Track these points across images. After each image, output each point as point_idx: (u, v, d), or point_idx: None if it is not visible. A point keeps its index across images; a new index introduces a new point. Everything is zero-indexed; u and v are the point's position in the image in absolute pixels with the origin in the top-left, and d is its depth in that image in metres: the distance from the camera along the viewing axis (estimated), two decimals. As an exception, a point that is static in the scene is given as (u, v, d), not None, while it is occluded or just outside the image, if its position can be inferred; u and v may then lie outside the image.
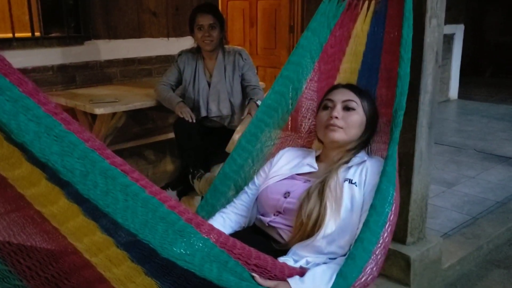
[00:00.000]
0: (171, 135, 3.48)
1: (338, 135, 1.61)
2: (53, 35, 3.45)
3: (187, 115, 2.98)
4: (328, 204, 1.46)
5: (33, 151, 0.86)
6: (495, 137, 4.96)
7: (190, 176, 3.05)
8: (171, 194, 3.30)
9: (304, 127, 1.94)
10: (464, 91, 7.04)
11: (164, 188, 3.43)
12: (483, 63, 8.56)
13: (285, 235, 1.55)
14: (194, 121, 2.98)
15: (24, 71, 3.20)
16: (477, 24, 8.22)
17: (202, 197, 1.90)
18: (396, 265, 2.22)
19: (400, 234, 2.24)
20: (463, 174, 3.87)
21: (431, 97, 2.12)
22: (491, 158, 4.27)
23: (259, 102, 2.95)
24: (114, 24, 3.69)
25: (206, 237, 1.08)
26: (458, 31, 6.67)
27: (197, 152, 3.06)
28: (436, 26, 2.06)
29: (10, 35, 3.21)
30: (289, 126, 1.96)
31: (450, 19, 5.99)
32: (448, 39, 6.47)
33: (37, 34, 3.34)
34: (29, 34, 3.32)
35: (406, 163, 2.15)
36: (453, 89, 6.91)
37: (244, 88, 3.18)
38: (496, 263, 2.65)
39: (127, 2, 3.74)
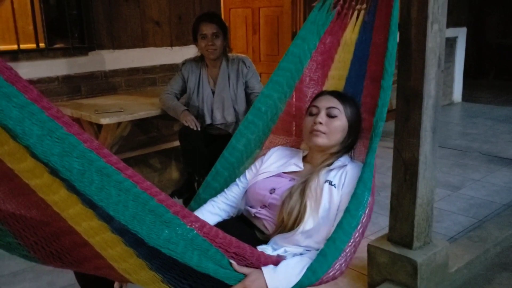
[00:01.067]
0: (176, 143, 3.50)
1: (321, 140, 1.72)
2: (57, 46, 3.48)
3: (192, 123, 2.99)
4: (308, 203, 1.59)
5: (35, 153, 0.94)
6: (500, 140, 4.96)
7: (195, 184, 3.06)
8: (178, 202, 3.32)
9: (293, 129, 2.05)
10: (468, 94, 7.04)
11: (171, 196, 3.44)
12: (486, 65, 8.56)
13: (269, 226, 1.69)
14: (199, 129, 3.00)
15: (30, 82, 3.21)
16: (480, 26, 8.23)
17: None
18: (402, 270, 2.22)
19: (406, 239, 2.24)
20: (468, 177, 3.87)
21: (434, 102, 2.13)
22: (496, 161, 4.27)
23: None
24: (117, 34, 3.72)
25: (190, 227, 1.18)
26: (460, 34, 6.67)
27: (202, 159, 3.07)
28: (437, 31, 2.07)
29: (15, 47, 3.25)
30: (281, 128, 2.05)
31: (452, 23, 6.01)
32: (450, 42, 6.48)
33: (41, 45, 3.38)
34: (34, 46, 3.35)
35: (411, 168, 2.16)
36: (456, 92, 6.91)
37: (248, 95, 3.20)
38: (503, 266, 2.64)
39: (130, 12, 3.77)
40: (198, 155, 3.06)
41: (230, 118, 3.19)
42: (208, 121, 3.19)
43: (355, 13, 1.96)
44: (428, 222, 2.28)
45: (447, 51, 2.02)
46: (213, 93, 3.19)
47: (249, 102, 3.20)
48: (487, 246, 2.69)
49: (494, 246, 2.72)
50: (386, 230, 2.38)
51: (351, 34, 1.97)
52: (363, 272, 2.45)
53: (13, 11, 3.21)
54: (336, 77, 2.00)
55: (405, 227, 2.24)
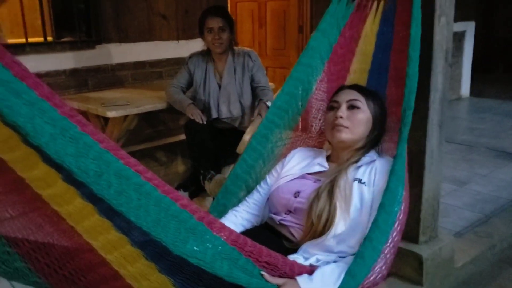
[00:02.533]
0: (183, 136, 3.51)
1: (345, 135, 1.62)
2: (65, 39, 3.49)
3: (198, 116, 3.00)
4: (338, 204, 1.47)
5: (48, 153, 0.88)
6: (508, 135, 4.92)
7: (201, 178, 3.07)
8: (183, 195, 3.33)
9: (314, 128, 1.95)
10: (476, 89, 6.99)
11: (176, 189, 3.45)
12: (495, 60, 8.49)
13: (296, 233, 1.57)
14: (205, 122, 3.00)
15: (37, 75, 3.22)
16: (488, 20, 8.16)
17: (213, 198, 1.92)
18: (408, 264, 2.22)
19: (412, 233, 2.24)
20: (475, 172, 3.85)
21: (441, 96, 2.12)
22: (504, 156, 4.24)
23: (269, 103, 2.96)
24: (124, 27, 3.72)
25: (217, 235, 1.11)
26: (469, 28, 6.62)
27: (207, 153, 3.07)
28: (445, 24, 2.05)
29: (23, 40, 3.26)
30: (300, 127, 1.97)
31: (460, 17, 5.96)
32: (459, 37, 6.43)
33: (49, 39, 3.39)
34: (41, 39, 3.37)
35: (417, 162, 2.15)
36: (464, 87, 6.86)
37: (253, 89, 3.20)
38: (509, 261, 2.63)
39: (137, 6, 3.77)
40: (204, 148, 3.07)
41: (236, 112, 3.19)
42: (214, 115, 3.19)
43: (375, 3, 1.90)
44: (434, 216, 2.27)
45: (455, 46, 2.01)
46: (219, 87, 3.19)
47: (255, 96, 3.20)
48: (493, 241, 2.68)
49: (500, 241, 2.71)
50: (391, 225, 2.37)
51: (371, 26, 1.90)
52: (368, 266, 2.45)
53: (22, 5, 3.23)
54: (358, 70, 1.92)
55: (410, 221, 2.23)
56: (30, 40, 3.30)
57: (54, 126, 0.89)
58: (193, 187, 3.32)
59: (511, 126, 5.26)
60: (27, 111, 0.86)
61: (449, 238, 2.35)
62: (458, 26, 6.11)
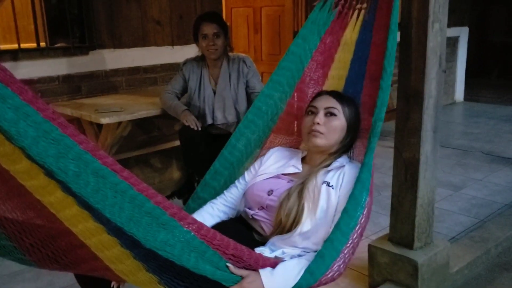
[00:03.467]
0: (177, 142, 3.49)
1: (320, 141, 1.72)
2: (58, 45, 3.48)
3: (192, 123, 2.99)
4: (305, 205, 1.58)
5: (31, 155, 0.94)
6: (503, 139, 4.94)
7: (195, 184, 3.06)
8: (177, 202, 3.31)
9: (293, 128, 2.04)
10: (470, 93, 7.02)
11: (170, 196, 3.43)
12: (489, 64, 8.53)
13: (266, 227, 1.69)
14: (199, 128, 2.99)
15: (30, 81, 3.23)
16: (482, 25, 8.20)
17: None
18: (403, 270, 2.21)
19: (407, 239, 2.23)
20: (470, 177, 3.85)
21: (435, 102, 2.12)
22: (498, 160, 4.26)
23: None
24: (118, 33, 3.71)
25: (187, 229, 1.17)
26: (462, 33, 6.65)
27: (202, 159, 3.06)
28: (438, 30, 2.06)
29: (16, 46, 3.24)
30: (279, 128, 2.03)
31: (454, 22, 5.99)
32: (452, 42, 6.46)
33: (42, 44, 3.37)
34: (34, 45, 3.35)
35: (412, 168, 2.15)
36: (458, 92, 6.90)
37: (249, 95, 3.19)
38: (505, 266, 2.63)
39: (131, 11, 3.76)
40: (198, 155, 3.05)
41: (231, 118, 3.18)
42: (209, 121, 3.18)
43: (356, 12, 1.95)
44: (429, 222, 2.27)
45: (449, 51, 2.01)
46: (214, 93, 3.18)
47: (250, 101, 3.20)
48: (489, 246, 2.68)
49: (495, 246, 2.71)
50: (387, 230, 2.37)
51: (351, 34, 1.96)
52: (363, 273, 2.44)
53: (14, 10, 3.21)
54: (336, 77, 1.99)
55: (405, 227, 2.23)
56: (23, 46, 3.28)
57: (37, 129, 0.94)
58: (187, 194, 3.30)
59: (505, 130, 5.29)
60: (12, 116, 0.91)
61: (444, 244, 2.35)
62: (452, 32, 6.14)
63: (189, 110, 3.11)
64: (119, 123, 3.09)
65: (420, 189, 2.17)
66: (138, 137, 3.78)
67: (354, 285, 2.42)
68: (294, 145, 2.03)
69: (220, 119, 3.18)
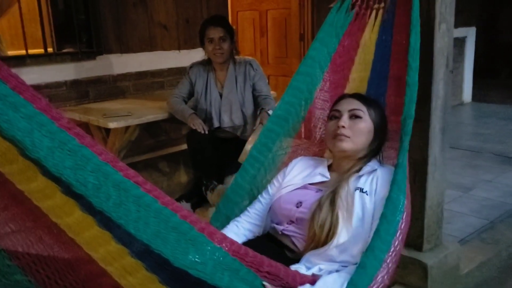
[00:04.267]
0: (185, 146, 3.50)
1: (346, 145, 1.62)
2: (65, 50, 3.50)
3: (199, 126, 2.99)
4: (340, 214, 1.47)
5: (47, 166, 0.88)
6: (513, 140, 4.89)
7: (203, 188, 3.06)
8: (185, 206, 3.31)
9: (315, 137, 1.95)
10: (479, 94, 6.96)
11: (178, 200, 3.43)
12: (498, 64, 8.46)
13: (299, 243, 1.57)
14: (207, 132, 2.99)
15: (38, 87, 3.25)
16: (490, 26, 8.14)
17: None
18: (413, 273, 2.19)
19: (416, 241, 2.21)
20: (480, 178, 3.81)
21: (443, 102, 2.10)
22: (509, 161, 4.21)
23: (270, 112, 2.94)
24: (125, 38, 3.73)
25: (218, 245, 1.10)
26: (470, 33, 6.61)
27: (210, 163, 3.06)
28: (445, 31, 2.04)
29: (23, 52, 3.26)
30: (301, 136, 1.97)
31: (461, 22, 5.95)
32: (460, 42, 6.42)
33: (50, 50, 3.40)
34: (42, 51, 3.37)
35: (420, 170, 2.13)
36: (466, 92, 6.84)
37: (255, 98, 3.19)
38: (516, 268, 2.60)
39: (138, 16, 3.78)
40: (206, 158, 3.05)
41: (238, 121, 3.18)
42: (216, 124, 3.18)
43: (373, 12, 1.90)
44: (438, 224, 2.24)
45: (456, 51, 2.01)
46: (221, 96, 3.18)
47: (256, 105, 3.19)
48: (500, 248, 2.65)
49: (506, 248, 2.68)
50: (396, 233, 2.35)
51: (370, 34, 1.90)
52: (373, 275, 2.42)
53: (21, 16, 3.23)
54: (358, 79, 1.93)
55: (415, 229, 2.21)
56: (31, 51, 3.31)
57: (53, 139, 0.89)
58: (196, 198, 3.30)
59: (516, 131, 5.23)
60: (25, 125, 0.86)
61: (455, 246, 2.32)
62: (459, 32, 6.10)
63: (196, 114, 3.11)
64: (127, 127, 3.10)
65: (429, 191, 2.14)
66: (146, 141, 3.79)
67: (363, 288, 2.40)
68: (317, 154, 1.93)
69: (227, 122, 3.17)
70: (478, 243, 2.70)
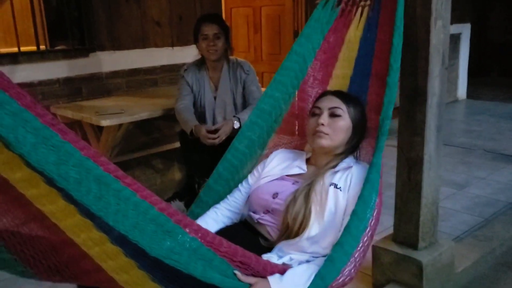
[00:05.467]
0: (178, 144, 3.48)
1: (325, 141, 1.68)
2: (58, 48, 3.47)
3: (206, 140, 2.86)
4: (313, 208, 1.54)
5: (30, 162, 0.91)
6: (505, 137, 4.91)
7: (196, 186, 3.04)
8: (179, 204, 3.30)
9: (297, 130, 2.01)
10: (472, 91, 6.99)
11: (171, 199, 3.42)
12: (490, 62, 8.50)
13: (273, 232, 1.64)
14: (217, 143, 2.87)
15: (31, 85, 3.22)
16: (483, 23, 8.17)
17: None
18: (408, 270, 2.19)
19: (411, 239, 2.21)
20: (473, 175, 3.83)
21: (439, 100, 2.10)
22: (501, 158, 4.23)
23: (236, 125, 2.91)
24: (118, 35, 3.70)
25: (193, 236, 1.15)
26: (464, 30, 6.63)
27: (202, 161, 3.04)
28: (441, 27, 2.03)
29: (16, 49, 3.23)
30: (295, 133, 2.00)
31: (456, 19, 5.96)
32: (455, 39, 6.43)
33: (42, 47, 3.36)
34: (34, 48, 3.34)
35: (415, 167, 2.13)
36: (461, 89, 6.87)
37: (247, 100, 3.14)
38: (510, 265, 2.61)
39: (130, 13, 3.75)
40: (199, 157, 3.03)
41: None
42: (209, 125, 3.15)
43: (359, 10, 1.93)
44: (433, 222, 2.24)
45: (451, 48, 2.01)
46: (214, 98, 3.14)
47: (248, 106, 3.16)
48: (493, 245, 2.66)
49: (500, 245, 2.69)
50: (390, 230, 2.35)
51: (355, 32, 1.93)
52: (367, 273, 2.42)
53: (14, 13, 3.20)
54: (341, 76, 1.96)
55: (410, 227, 2.21)
56: (23, 49, 3.27)
57: (36, 135, 0.91)
58: (188, 196, 3.28)
59: (507, 128, 5.26)
60: (10, 122, 0.88)
61: (449, 243, 2.33)
62: (454, 28, 6.11)
63: (199, 125, 2.98)
64: (120, 125, 3.07)
65: (424, 189, 2.14)
66: (139, 139, 3.76)
67: (357, 285, 2.40)
68: (298, 147, 1.99)
69: (220, 123, 3.14)
70: (472, 240, 2.71)
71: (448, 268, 2.30)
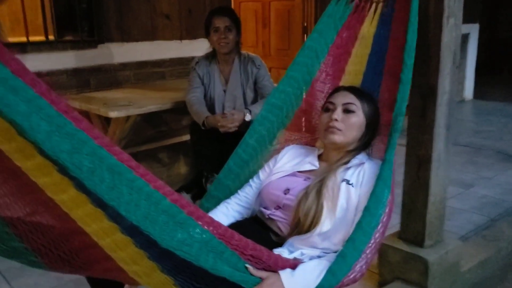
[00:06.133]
0: (185, 137, 3.48)
1: (338, 137, 1.66)
2: (67, 38, 3.47)
3: (222, 126, 2.90)
4: (325, 204, 1.52)
5: (44, 149, 0.90)
6: (514, 137, 4.88)
7: (203, 180, 3.04)
8: (186, 197, 3.29)
9: (308, 126, 1.98)
10: (480, 91, 6.95)
11: (178, 191, 3.41)
12: (499, 62, 8.44)
13: (284, 228, 1.62)
14: (233, 129, 2.92)
15: (39, 75, 3.20)
16: (492, 22, 8.12)
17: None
18: (414, 268, 2.18)
19: (418, 237, 2.20)
20: (481, 175, 3.81)
21: (449, 98, 2.08)
22: (509, 159, 4.21)
23: (248, 118, 2.94)
24: (127, 27, 3.70)
25: (205, 228, 1.14)
26: (473, 30, 6.58)
27: (212, 155, 3.04)
28: (453, 26, 2.02)
29: (24, 39, 3.23)
30: (302, 129, 1.98)
31: (464, 19, 5.91)
32: (463, 39, 6.38)
33: (51, 38, 3.37)
34: (43, 38, 3.35)
35: (424, 165, 2.11)
36: (468, 89, 6.83)
37: (259, 94, 3.15)
38: (516, 266, 2.60)
39: (140, 6, 3.74)
40: (208, 150, 3.03)
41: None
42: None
43: (373, 6, 1.91)
44: (440, 220, 2.23)
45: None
46: (224, 91, 3.14)
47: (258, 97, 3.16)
48: (500, 245, 2.64)
49: (507, 245, 2.68)
50: (397, 228, 2.34)
51: (369, 28, 1.91)
52: (374, 271, 2.42)
53: (23, 3, 3.20)
54: (353, 72, 1.94)
55: (417, 225, 2.20)
56: (32, 39, 3.28)
57: (50, 123, 0.90)
58: (196, 189, 3.28)
59: (516, 128, 5.23)
60: (25, 109, 0.87)
61: (456, 242, 2.32)
62: (463, 28, 6.06)
63: (210, 115, 3.01)
64: (128, 117, 3.08)
65: (432, 187, 2.13)
66: (146, 132, 3.77)
67: (364, 283, 2.39)
68: (309, 143, 1.97)
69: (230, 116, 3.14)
70: (478, 240, 2.70)
71: (454, 267, 2.29)
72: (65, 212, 1.05)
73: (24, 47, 3.21)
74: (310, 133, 1.99)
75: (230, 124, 2.90)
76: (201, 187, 3.17)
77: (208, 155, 3.04)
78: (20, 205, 1.16)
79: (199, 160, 3.17)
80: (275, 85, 3.27)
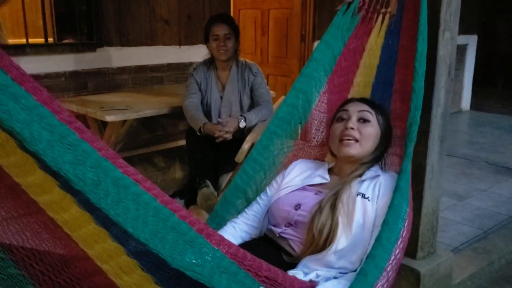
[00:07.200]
0: (181, 142, 3.48)
1: (353, 150, 1.59)
2: (66, 41, 3.47)
3: (222, 134, 2.91)
4: (340, 219, 1.44)
5: (45, 160, 0.85)
6: (508, 150, 4.90)
7: (196, 186, 3.04)
8: (179, 202, 3.30)
9: (316, 140, 1.93)
10: (477, 102, 6.98)
11: (172, 196, 3.42)
12: (495, 73, 8.48)
13: (296, 246, 1.53)
14: (228, 137, 2.93)
15: (37, 77, 3.22)
16: (489, 34, 8.16)
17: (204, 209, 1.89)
18: (405, 279, 2.19)
19: (410, 249, 2.21)
20: (474, 187, 3.83)
21: (443, 110, 2.10)
22: (503, 171, 4.22)
23: (242, 125, 2.96)
24: (126, 31, 3.71)
25: (216, 247, 1.07)
26: (471, 41, 6.62)
27: (206, 161, 3.04)
28: (449, 39, 2.04)
29: (24, 41, 3.24)
30: (302, 138, 1.95)
31: (463, 30, 5.95)
32: (461, 50, 6.43)
33: (50, 40, 3.37)
34: (42, 40, 3.35)
35: (417, 176, 2.13)
36: (465, 100, 6.86)
37: (255, 102, 3.16)
38: (508, 279, 2.60)
39: (139, 10, 3.76)
40: (203, 156, 3.03)
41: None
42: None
43: (380, 17, 1.90)
44: (432, 232, 2.25)
45: (457, 59, 2.00)
46: (221, 98, 3.16)
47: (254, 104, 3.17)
48: (492, 258, 2.65)
49: (499, 258, 2.69)
50: (389, 239, 2.35)
51: (376, 38, 1.89)
52: (365, 280, 2.42)
53: (23, 5, 3.21)
54: (362, 83, 1.91)
55: (409, 236, 2.21)
56: (31, 41, 3.28)
57: (52, 132, 0.86)
58: (190, 195, 3.29)
59: (511, 141, 5.25)
60: (25, 117, 0.83)
61: (448, 254, 2.33)
62: (461, 39, 6.07)
63: (208, 122, 3.02)
64: (124, 121, 3.08)
65: (425, 199, 2.15)
66: (142, 136, 3.77)
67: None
68: (318, 158, 1.91)
69: (226, 123, 3.15)
70: (470, 252, 2.71)
71: (446, 279, 2.30)
72: (66, 234, 0.99)
73: (23, 49, 3.21)
74: (319, 147, 1.94)
75: (225, 135, 2.91)
76: (195, 193, 3.17)
77: (202, 161, 3.04)
78: (17, 228, 1.08)
79: (193, 165, 3.17)
80: (272, 92, 3.32)
